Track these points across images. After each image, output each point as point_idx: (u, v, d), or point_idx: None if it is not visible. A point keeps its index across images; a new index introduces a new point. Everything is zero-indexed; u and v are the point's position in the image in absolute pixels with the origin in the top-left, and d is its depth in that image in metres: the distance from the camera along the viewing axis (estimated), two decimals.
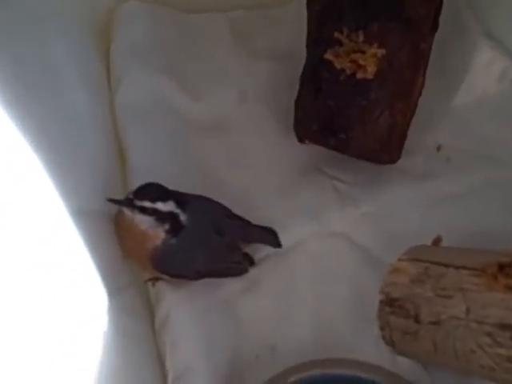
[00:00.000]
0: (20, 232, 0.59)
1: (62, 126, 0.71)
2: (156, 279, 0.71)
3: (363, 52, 0.74)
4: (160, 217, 0.66)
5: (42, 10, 0.74)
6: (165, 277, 0.70)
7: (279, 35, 0.89)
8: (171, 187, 0.68)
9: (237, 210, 0.72)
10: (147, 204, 0.66)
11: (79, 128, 0.74)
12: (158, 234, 0.67)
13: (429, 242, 0.72)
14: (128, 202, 0.66)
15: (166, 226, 0.67)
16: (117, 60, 0.85)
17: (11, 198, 0.59)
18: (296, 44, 0.80)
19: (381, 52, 0.74)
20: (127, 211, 0.66)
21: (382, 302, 0.65)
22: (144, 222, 0.66)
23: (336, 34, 0.75)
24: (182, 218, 0.67)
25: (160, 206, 0.66)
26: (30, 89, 0.67)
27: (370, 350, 0.67)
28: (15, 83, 0.64)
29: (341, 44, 0.75)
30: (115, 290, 0.68)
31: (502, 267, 0.59)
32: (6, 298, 0.55)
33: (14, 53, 0.67)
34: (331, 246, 0.75)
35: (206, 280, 0.71)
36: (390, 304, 0.64)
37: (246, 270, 0.73)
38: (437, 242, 0.73)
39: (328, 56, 0.75)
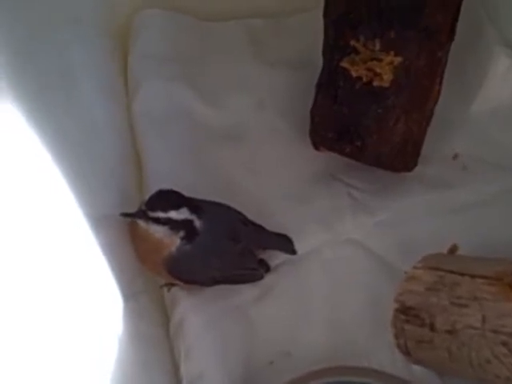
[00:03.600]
0: (37, 237, 0.60)
1: (79, 131, 0.71)
2: (171, 285, 0.72)
3: (380, 60, 0.74)
4: (174, 225, 0.66)
5: (61, 16, 0.75)
6: (179, 283, 0.70)
7: (296, 43, 0.89)
8: (187, 193, 0.68)
9: (252, 217, 0.73)
10: (160, 214, 0.65)
11: (96, 134, 0.74)
12: (173, 241, 0.67)
13: (444, 251, 0.72)
14: (141, 215, 0.66)
15: (181, 234, 0.67)
16: (134, 67, 0.85)
17: (28, 204, 0.59)
18: (313, 52, 0.80)
19: (397, 60, 0.74)
20: (141, 223, 0.66)
21: (396, 310, 0.64)
22: (158, 231, 0.66)
23: (352, 42, 0.75)
24: (197, 223, 0.67)
25: (173, 214, 0.66)
26: (48, 95, 0.68)
27: (385, 358, 0.67)
28: (33, 89, 0.65)
29: (357, 52, 0.75)
30: (130, 295, 0.68)
31: None
32: (23, 302, 0.56)
33: (33, 59, 0.68)
34: (346, 253, 0.75)
35: (221, 286, 0.71)
36: (404, 312, 0.64)
37: (261, 277, 0.73)
38: (453, 250, 0.72)
39: (344, 64, 0.75)
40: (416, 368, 0.66)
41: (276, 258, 0.74)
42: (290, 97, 0.85)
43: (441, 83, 0.77)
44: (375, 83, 0.74)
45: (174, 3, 0.89)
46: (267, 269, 0.73)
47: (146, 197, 0.69)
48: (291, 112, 0.84)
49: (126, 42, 0.87)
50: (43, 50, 0.70)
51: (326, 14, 0.79)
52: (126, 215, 0.67)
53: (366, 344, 0.68)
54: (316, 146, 0.80)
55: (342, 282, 0.73)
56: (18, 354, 0.53)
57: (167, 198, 0.67)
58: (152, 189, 0.70)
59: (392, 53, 0.74)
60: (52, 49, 0.72)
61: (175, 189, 0.68)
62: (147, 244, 0.67)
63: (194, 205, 0.67)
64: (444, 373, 0.65)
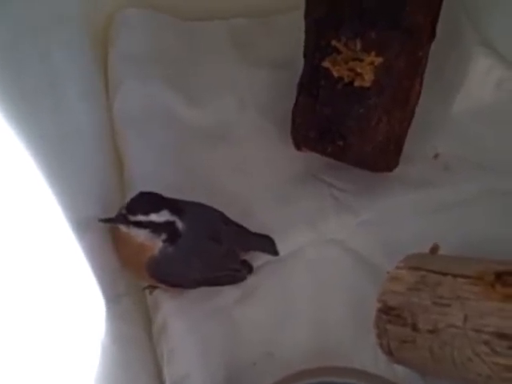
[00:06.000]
0: (19, 241, 0.59)
1: (59, 133, 0.70)
2: (153, 287, 0.71)
3: (361, 60, 0.74)
4: (156, 228, 0.66)
5: (40, 17, 0.74)
6: (162, 285, 0.70)
7: (279, 43, 0.89)
8: (169, 194, 0.68)
9: (235, 217, 0.72)
10: (141, 218, 0.65)
11: (77, 135, 0.74)
12: (155, 244, 0.66)
13: (426, 250, 0.72)
14: (122, 219, 0.65)
15: (163, 236, 0.66)
16: (115, 67, 0.85)
17: (9, 207, 0.59)
18: (296, 52, 0.80)
19: (378, 60, 0.74)
20: (122, 227, 0.66)
21: (379, 310, 0.65)
22: (140, 234, 0.66)
23: (334, 42, 0.75)
24: (179, 225, 0.67)
25: (154, 217, 0.65)
26: (28, 96, 0.67)
27: (368, 358, 0.67)
28: (14, 91, 0.64)
29: (338, 52, 0.75)
30: (113, 298, 0.68)
31: (499, 275, 0.59)
32: (4, 305, 0.55)
33: (13, 61, 0.67)
34: (329, 253, 0.75)
35: (204, 288, 0.71)
36: (387, 312, 0.64)
37: (244, 278, 0.73)
38: (434, 250, 0.73)
39: (326, 64, 0.75)
40: (399, 368, 0.66)
41: (259, 258, 0.74)
42: (272, 97, 0.85)
43: (421, 83, 0.78)
44: (356, 83, 0.74)
45: (158, 2, 0.89)
46: (250, 270, 0.73)
47: (129, 198, 0.68)
48: (274, 112, 0.84)
49: (107, 42, 0.86)
50: (24, 52, 0.69)
51: (307, 14, 0.79)
52: (105, 221, 0.66)
53: (349, 344, 0.69)
54: (298, 146, 0.80)
55: (326, 282, 0.73)
56: None
57: (147, 201, 0.66)
58: (134, 189, 0.70)
59: (373, 53, 0.74)
60: (32, 50, 0.71)
61: (157, 189, 0.67)
62: (129, 247, 0.67)
63: (175, 206, 0.67)
64: (427, 373, 0.66)
